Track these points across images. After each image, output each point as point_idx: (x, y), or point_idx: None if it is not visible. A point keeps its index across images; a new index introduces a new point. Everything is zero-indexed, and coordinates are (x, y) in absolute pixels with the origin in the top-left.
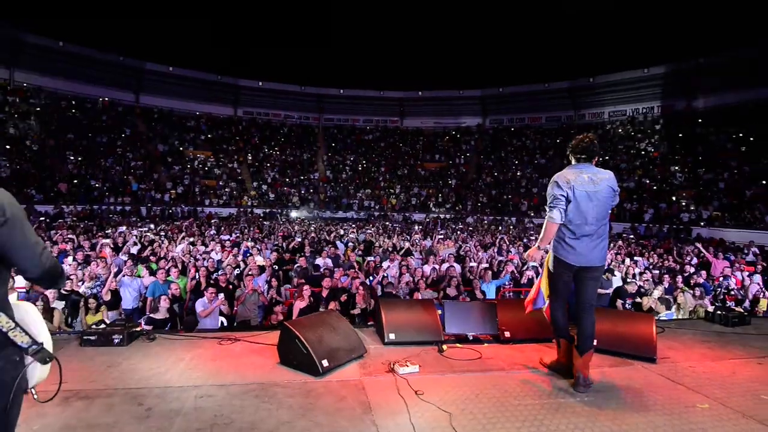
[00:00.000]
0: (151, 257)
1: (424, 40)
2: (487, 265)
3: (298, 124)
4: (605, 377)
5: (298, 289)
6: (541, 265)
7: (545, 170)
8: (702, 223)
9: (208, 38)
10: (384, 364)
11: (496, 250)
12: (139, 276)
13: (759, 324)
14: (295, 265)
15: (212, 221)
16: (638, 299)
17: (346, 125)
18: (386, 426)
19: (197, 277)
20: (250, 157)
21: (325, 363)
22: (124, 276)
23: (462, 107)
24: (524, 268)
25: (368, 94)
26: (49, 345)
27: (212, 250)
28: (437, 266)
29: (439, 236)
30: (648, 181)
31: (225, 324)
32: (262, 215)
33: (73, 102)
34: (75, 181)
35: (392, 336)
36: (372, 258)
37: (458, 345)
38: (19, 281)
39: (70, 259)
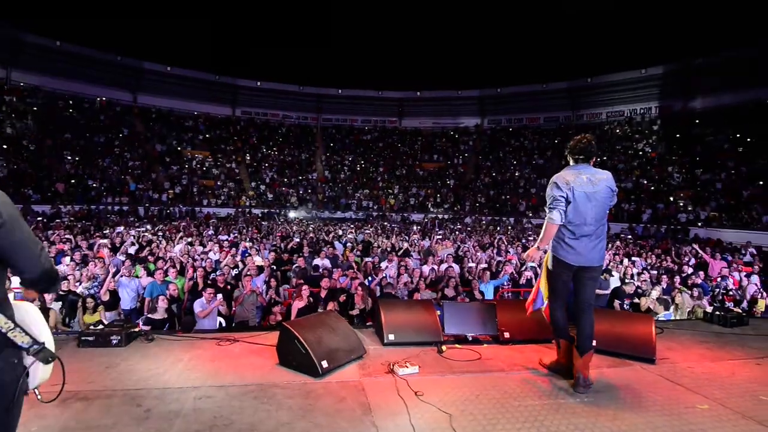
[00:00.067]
0: (149, 257)
1: (423, 40)
2: (485, 266)
3: (297, 124)
4: (605, 378)
5: (296, 289)
6: (540, 265)
7: (543, 170)
8: (699, 224)
9: (206, 38)
10: (383, 365)
11: (495, 250)
12: (136, 276)
13: (757, 324)
14: (294, 266)
15: (210, 221)
16: (636, 300)
17: (344, 125)
18: (386, 427)
19: (195, 277)
20: (248, 157)
21: (324, 364)
22: (121, 276)
23: (460, 107)
24: (523, 269)
25: (367, 94)
26: (51, 345)
27: (210, 250)
28: (436, 267)
29: (438, 236)
30: (646, 182)
31: (223, 324)
32: (260, 215)
33: (71, 102)
34: (72, 181)
35: (391, 337)
36: (370, 259)
37: (457, 346)
38: (15, 282)
39: (67, 259)
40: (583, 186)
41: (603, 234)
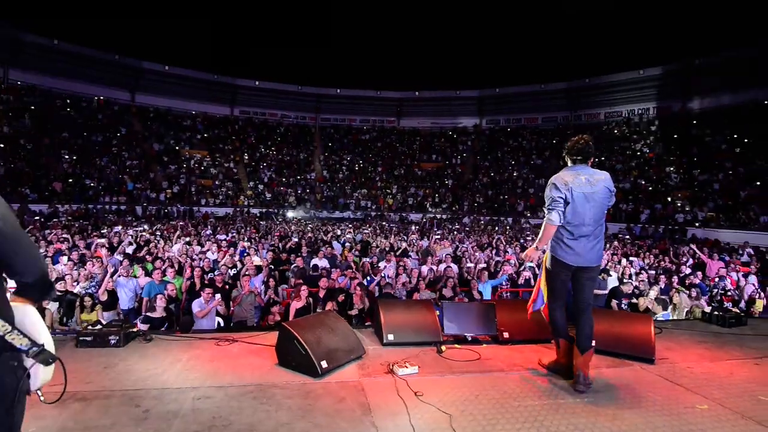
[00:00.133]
0: (147, 257)
1: (422, 40)
2: (484, 266)
3: (295, 123)
4: (604, 378)
5: (295, 289)
6: (539, 266)
7: (542, 171)
8: (697, 224)
9: (205, 38)
10: (383, 365)
11: (493, 251)
12: (134, 276)
13: (755, 325)
14: (293, 266)
15: (208, 221)
16: (634, 300)
17: (342, 125)
18: (386, 427)
19: (192, 277)
20: (246, 157)
21: (324, 364)
22: (119, 276)
23: (459, 108)
24: (521, 269)
25: (365, 94)
26: (50, 346)
27: (208, 250)
28: (434, 267)
29: (436, 236)
30: (643, 182)
31: (222, 324)
32: (258, 215)
33: (68, 101)
34: (70, 180)
35: (391, 337)
36: (368, 259)
37: (457, 346)
38: (10, 284)
39: (65, 258)
40: (582, 187)
41: (601, 234)
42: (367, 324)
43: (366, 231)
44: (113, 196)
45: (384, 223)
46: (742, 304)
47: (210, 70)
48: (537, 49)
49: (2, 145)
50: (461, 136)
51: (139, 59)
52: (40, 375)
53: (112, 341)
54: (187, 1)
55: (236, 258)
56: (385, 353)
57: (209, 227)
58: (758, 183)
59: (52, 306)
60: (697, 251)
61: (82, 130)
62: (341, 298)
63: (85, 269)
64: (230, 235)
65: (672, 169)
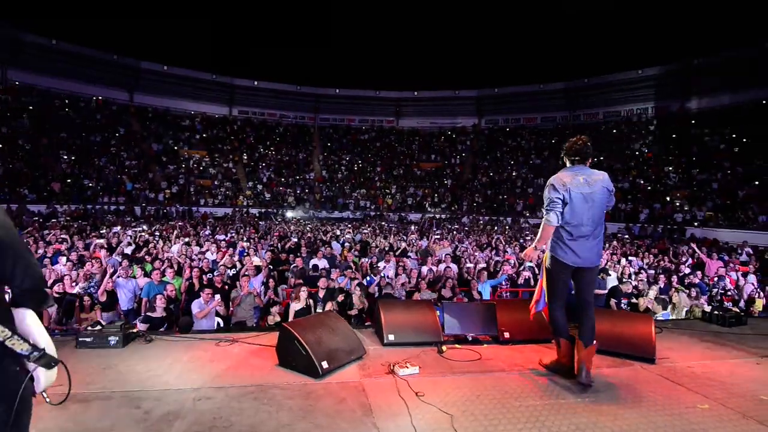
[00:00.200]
0: (146, 257)
1: (421, 40)
2: (484, 265)
3: (294, 123)
4: (605, 378)
5: (294, 289)
6: (539, 266)
7: (540, 170)
8: (696, 224)
9: (203, 37)
10: (384, 366)
11: (492, 250)
12: (133, 277)
13: (755, 324)
14: (292, 266)
15: (207, 221)
16: (634, 300)
17: (341, 125)
18: (387, 428)
19: (191, 277)
20: (245, 157)
21: (324, 364)
22: (118, 277)
23: (458, 107)
24: (521, 269)
25: (364, 94)
26: (51, 350)
27: (207, 250)
28: (434, 267)
29: (435, 236)
30: (642, 182)
31: (221, 325)
32: (257, 215)
33: (67, 101)
34: (68, 181)
35: (391, 337)
36: (366, 259)
37: (458, 346)
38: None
39: (64, 259)
40: (580, 187)
41: (601, 235)
42: (366, 324)
43: (365, 231)
44: (112, 197)
45: (383, 223)
46: (742, 304)
47: (209, 69)
48: (536, 49)
49: (0, 145)
50: (460, 136)
51: (137, 59)
52: (44, 377)
53: (112, 342)
54: (186, 1)
55: (235, 258)
56: (386, 353)
57: (208, 227)
58: (757, 183)
59: (50, 309)
60: (697, 250)
61: (81, 130)
62: (341, 297)
63: (85, 269)
64: (229, 235)
65: (671, 168)
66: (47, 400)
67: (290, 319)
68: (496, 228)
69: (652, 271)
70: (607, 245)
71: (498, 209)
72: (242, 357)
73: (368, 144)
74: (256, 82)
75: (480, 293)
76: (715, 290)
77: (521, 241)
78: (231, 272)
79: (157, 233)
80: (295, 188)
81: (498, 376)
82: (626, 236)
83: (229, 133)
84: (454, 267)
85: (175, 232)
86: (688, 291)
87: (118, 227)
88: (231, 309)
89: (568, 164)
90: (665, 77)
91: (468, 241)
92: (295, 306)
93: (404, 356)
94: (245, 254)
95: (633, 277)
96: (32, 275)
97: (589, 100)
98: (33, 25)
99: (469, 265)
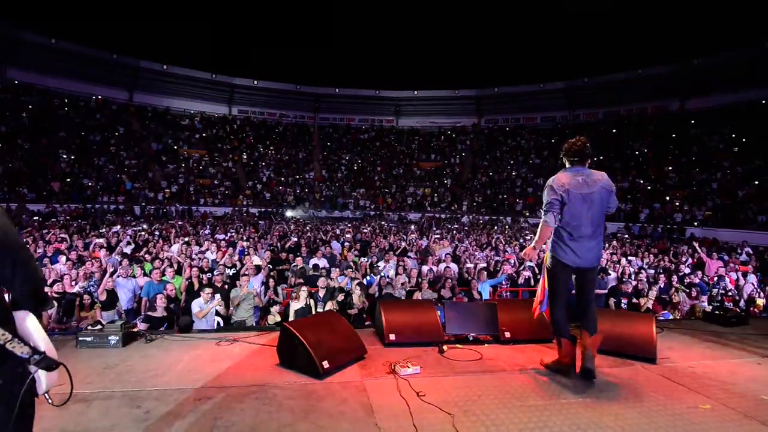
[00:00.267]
0: (146, 256)
1: (421, 40)
2: (484, 265)
3: (294, 123)
4: (606, 378)
5: (294, 289)
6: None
7: (540, 170)
8: (695, 223)
9: (203, 37)
10: (385, 365)
11: (493, 250)
12: (133, 276)
13: (756, 324)
14: (292, 265)
15: (207, 220)
16: (635, 300)
17: (341, 125)
18: (389, 428)
19: (191, 277)
20: (245, 156)
21: (325, 364)
22: (118, 277)
23: (457, 107)
24: (521, 268)
25: (364, 93)
26: (52, 352)
27: (207, 249)
28: (434, 267)
29: (435, 236)
30: (642, 182)
31: (221, 324)
32: (257, 215)
33: (67, 100)
34: (68, 180)
35: (392, 337)
36: (365, 259)
37: (458, 346)
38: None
39: (63, 258)
40: (579, 188)
41: (601, 235)
42: (367, 324)
43: (365, 230)
44: (111, 196)
45: (383, 222)
46: (742, 304)
47: (208, 69)
48: (535, 49)
49: (0, 145)
50: (460, 136)
51: (137, 58)
52: (45, 380)
53: (113, 341)
54: (186, 0)
55: (235, 258)
56: (387, 353)
57: (208, 227)
58: (756, 182)
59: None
60: (698, 249)
61: (80, 130)
62: (341, 297)
63: (84, 268)
64: (229, 234)
65: (670, 168)
66: (50, 401)
67: (290, 318)
68: (496, 227)
69: (652, 271)
70: (606, 245)
71: (498, 209)
72: (243, 357)
73: (368, 143)
74: (255, 82)
75: (480, 293)
76: (716, 290)
77: (521, 240)
78: (231, 272)
79: (156, 232)
80: (294, 188)
81: (499, 375)
82: (626, 236)
83: (229, 133)
84: (454, 267)
85: (173, 231)
86: (688, 291)
87: (118, 226)
88: (230, 309)
89: (567, 165)
90: (665, 77)
91: (468, 241)
92: (296, 305)
93: (405, 356)
94: (245, 254)
95: (633, 277)
96: (32, 277)
97: (589, 100)
98: (32, 24)
99: (469, 265)
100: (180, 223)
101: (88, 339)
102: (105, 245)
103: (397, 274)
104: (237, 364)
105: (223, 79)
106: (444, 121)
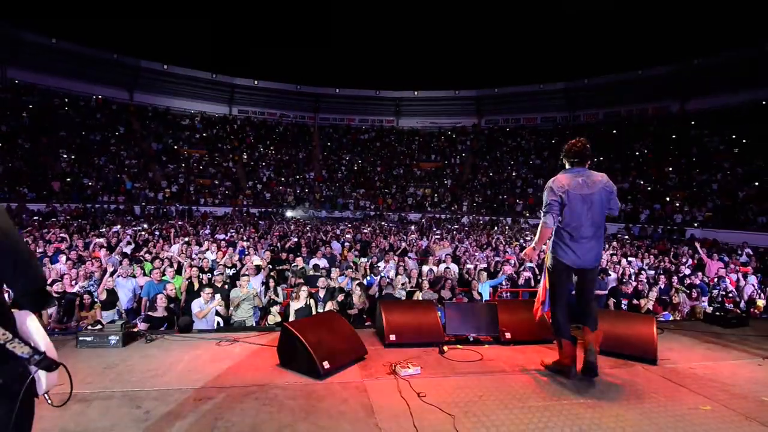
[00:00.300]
0: (146, 256)
1: (421, 40)
2: (484, 266)
3: (294, 123)
4: (607, 379)
5: (295, 289)
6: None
7: (540, 170)
8: (696, 224)
9: (204, 37)
10: (385, 366)
11: (493, 251)
12: (133, 276)
13: (757, 325)
14: (292, 265)
15: (207, 220)
16: (635, 300)
17: (341, 125)
18: (390, 429)
19: (190, 277)
20: (245, 156)
21: (326, 365)
22: (118, 276)
23: (458, 107)
24: (521, 269)
25: (364, 93)
26: (52, 353)
27: (207, 249)
28: (434, 268)
29: (435, 236)
30: (642, 182)
31: (221, 324)
32: (257, 215)
33: (67, 100)
34: (68, 180)
35: (393, 337)
36: (366, 259)
37: (459, 346)
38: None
39: (63, 258)
40: (579, 189)
41: (601, 236)
42: (367, 324)
43: (365, 231)
44: (112, 196)
45: (383, 222)
46: (742, 305)
47: (208, 69)
48: (535, 49)
49: (0, 144)
50: (460, 136)
51: (137, 58)
52: (45, 380)
53: (113, 341)
54: (186, 0)
55: (235, 258)
56: (387, 354)
57: (208, 227)
58: (756, 183)
59: (50, 309)
60: (699, 250)
61: (81, 129)
62: (341, 297)
63: (84, 268)
64: (229, 234)
65: (671, 169)
66: (49, 401)
67: (291, 318)
68: (496, 228)
69: (653, 272)
70: (607, 246)
71: (498, 209)
72: (243, 357)
73: (368, 144)
74: (256, 82)
75: (480, 294)
76: (716, 291)
77: (521, 241)
78: (231, 272)
79: (156, 232)
80: (294, 188)
81: (500, 376)
82: (626, 237)
83: (229, 133)
84: (454, 267)
85: (173, 231)
86: (688, 291)
87: (118, 226)
88: (230, 309)
89: (567, 166)
90: (665, 77)
91: (468, 242)
92: (296, 306)
93: (406, 356)
94: (245, 254)
95: (633, 277)
96: (33, 277)
97: (589, 101)
98: (33, 24)
99: (469, 265)
100: (180, 223)
101: (88, 339)
102: (105, 245)
103: (397, 274)
104: (237, 364)
105: (223, 79)
106: (444, 122)
